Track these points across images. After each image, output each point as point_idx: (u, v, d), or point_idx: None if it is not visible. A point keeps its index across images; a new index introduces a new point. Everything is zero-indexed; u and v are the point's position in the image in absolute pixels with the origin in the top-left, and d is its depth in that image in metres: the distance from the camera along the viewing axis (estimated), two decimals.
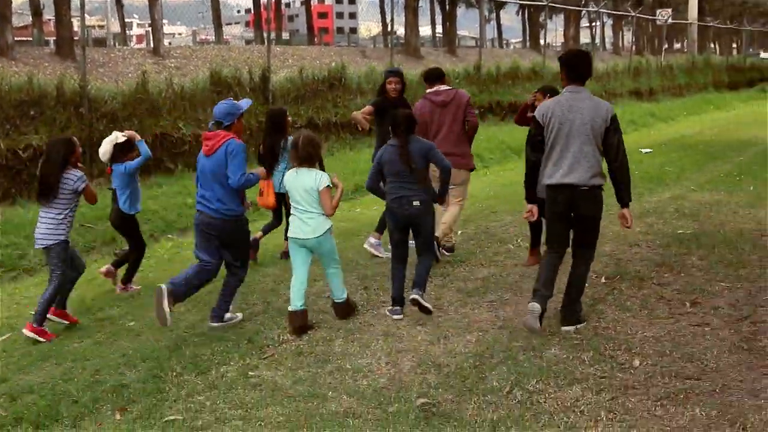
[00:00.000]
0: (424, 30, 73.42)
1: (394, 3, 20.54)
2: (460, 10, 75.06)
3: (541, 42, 71.75)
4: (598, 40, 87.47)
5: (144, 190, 10.87)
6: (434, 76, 7.68)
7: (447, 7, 64.69)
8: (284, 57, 38.90)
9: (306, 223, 5.59)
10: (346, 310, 5.88)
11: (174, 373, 4.88)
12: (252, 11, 59.95)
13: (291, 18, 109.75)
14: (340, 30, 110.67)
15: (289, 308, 5.63)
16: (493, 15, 73.43)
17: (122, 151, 6.94)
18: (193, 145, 11.99)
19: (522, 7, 78.70)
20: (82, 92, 10.96)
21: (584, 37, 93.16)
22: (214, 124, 5.82)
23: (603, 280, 6.63)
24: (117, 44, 49.92)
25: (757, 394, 4.17)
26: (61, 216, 5.99)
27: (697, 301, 5.92)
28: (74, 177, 6.00)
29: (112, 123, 11.28)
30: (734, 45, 71.56)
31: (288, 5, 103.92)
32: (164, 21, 63.64)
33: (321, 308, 6.12)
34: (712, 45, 72.11)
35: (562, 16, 72.65)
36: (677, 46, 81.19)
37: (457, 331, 5.45)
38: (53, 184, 5.91)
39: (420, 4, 65.09)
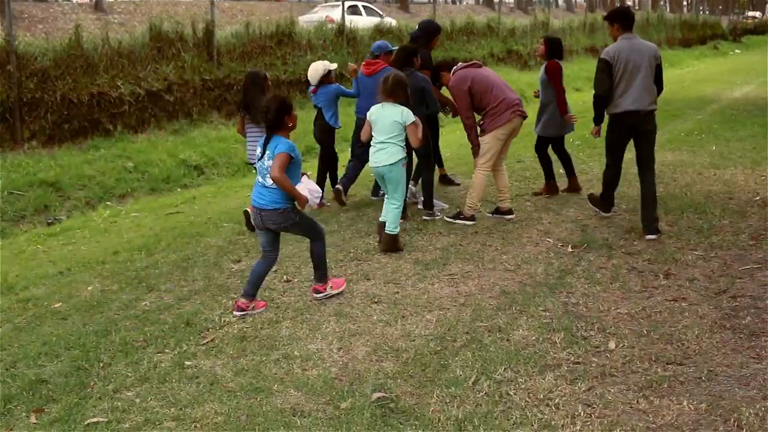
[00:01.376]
0: None
1: None
2: None
3: None
4: None
5: (80, 153, 10.27)
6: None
7: None
8: (233, 12, 37.66)
9: (383, 151, 6.20)
10: (391, 243, 6.29)
11: (101, 364, 4.33)
12: None
13: None
14: None
15: (386, 230, 6.31)
16: None
17: (326, 76, 7.90)
18: (133, 105, 11.27)
19: None
20: (8, 48, 10.10)
21: None
22: (370, 55, 8.19)
23: (569, 249, 6.23)
24: None
25: (748, 383, 3.78)
26: None
27: (670, 273, 5.55)
28: None
29: (43, 82, 10.48)
30: (685, 2, 71.62)
31: None
32: None
33: (268, 285, 5.60)
34: (662, 2, 72.16)
35: None
36: (629, 3, 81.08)
37: (415, 310, 4.99)
38: None
39: None
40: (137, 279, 5.89)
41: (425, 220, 7.26)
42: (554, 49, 7.92)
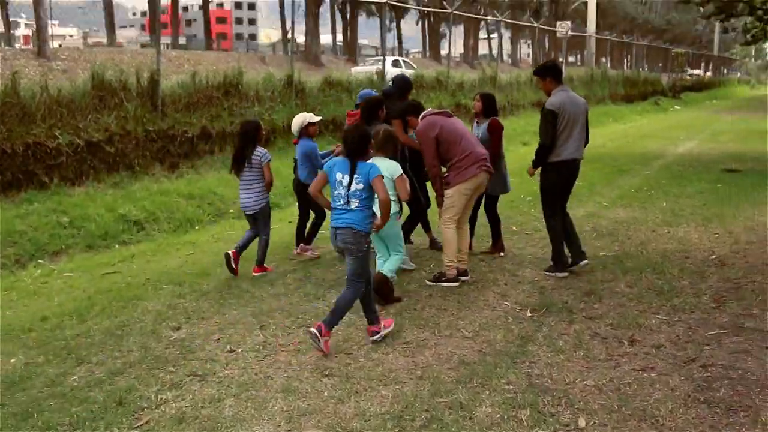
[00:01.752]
0: (325, 38, 72.73)
1: (295, 10, 19.65)
2: (361, 19, 74.76)
3: (442, 52, 72.27)
4: (495, 52, 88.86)
5: (12, 207, 9.72)
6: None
7: (348, 15, 64.19)
8: (179, 62, 37.46)
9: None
10: (384, 285, 6.19)
11: None
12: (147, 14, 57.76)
13: (189, 22, 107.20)
14: (239, 36, 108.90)
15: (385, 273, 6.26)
16: (394, 24, 73.28)
17: (306, 129, 7.86)
18: (71, 156, 10.79)
19: (422, 17, 79.03)
20: None
21: (482, 49, 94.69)
22: (357, 106, 7.75)
23: (528, 313, 5.96)
24: (2, 44, 47.03)
25: None
26: None
27: (635, 339, 5.31)
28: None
29: None
30: (625, 59, 73.70)
31: (186, 9, 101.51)
32: (54, 22, 60.76)
33: (209, 356, 5.19)
34: (603, 59, 74.17)
35: (461, 27, 73.54)
36: (571, 59, 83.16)
37: (369, 384, 4.63)
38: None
39: (321, 12, 64.42)
40: (66, 350, 5.41)
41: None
42: (491, 106, 7.78)
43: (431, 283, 6.77)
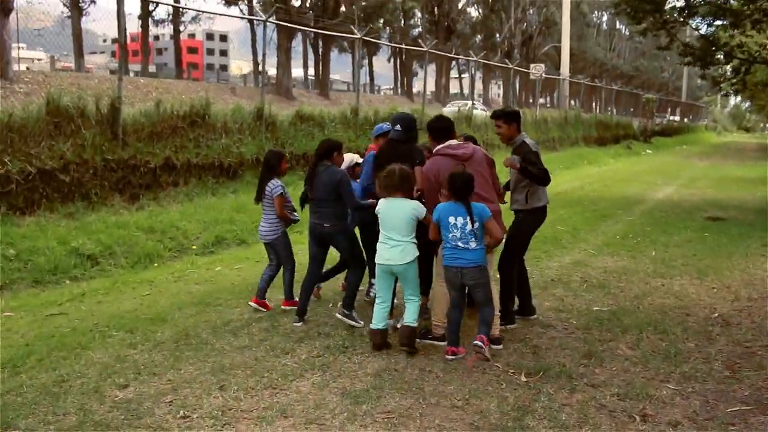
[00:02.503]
0: (297, 71, 72.41)
1: (266, 42, 19.12)
2: (333, 54, 74.62)
3: (414, 90, 72.33)
4: (467, 91, 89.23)
5: None
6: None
7: (320, 50, 63.93)
8: (147, 89, 36.64)
9: (397, 249, 5.80)
10: (411, 335, 5.81)
11: None
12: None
13: (160, 51, 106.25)
14: (210, 66, 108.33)
15: (371, 326, 5.91)
16: (366, 61, 73.29)
17: (354, 169, 7.37)
18: (22, 184, 9.99)
19: (394, 54, 79.17)
20: None
21: (453, 88, 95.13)
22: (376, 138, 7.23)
23: (523, 377, 5.31)
24: None
25: None
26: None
27: (647, 414, 4.68)
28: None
29: None
30: (594, 103, 74.24)
31: (157, 38, 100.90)
32: (21, 45, 59.61)
33: (159, 423, 4.46)
34: (572, 102, 74.77)
35: (433, 66, 73.65)
36: (541, 101, 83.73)
37: None
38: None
39: (293, 46, 64.14)
40: None
41: (338, 317, 6.46)
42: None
43: (417, 339, 6.08)
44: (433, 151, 6.25)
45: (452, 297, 5.82)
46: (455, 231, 5.60)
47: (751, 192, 19.27)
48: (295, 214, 7.24)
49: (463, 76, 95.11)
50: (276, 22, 20.12)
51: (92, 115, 11.55)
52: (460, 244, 5.60)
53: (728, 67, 17.96)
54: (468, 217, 5.56)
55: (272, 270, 7.19)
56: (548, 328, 6.53)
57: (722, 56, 15.89)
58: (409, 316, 5.86)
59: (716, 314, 7.08)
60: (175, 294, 7.74)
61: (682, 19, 16.32)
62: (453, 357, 5.67)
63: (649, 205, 15.85)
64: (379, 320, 5.91)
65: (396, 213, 5.81)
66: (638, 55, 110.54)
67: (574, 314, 6.98)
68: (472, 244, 5.59)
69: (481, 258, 5.66)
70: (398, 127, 6.48)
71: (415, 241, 5.87)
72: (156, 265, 9.54)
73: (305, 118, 16.40)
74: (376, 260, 5.92)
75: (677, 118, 78.49)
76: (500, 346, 6.04)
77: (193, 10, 45.74)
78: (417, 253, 5.88)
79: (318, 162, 6.64)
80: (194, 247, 10.34)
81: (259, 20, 16.77)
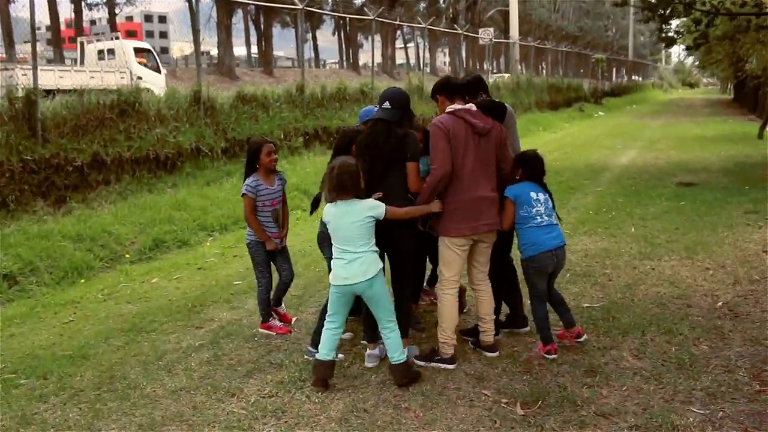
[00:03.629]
0: (239, 50, 70.59)
1: (206, 21, 17.84)
2: (276, 30, 72.81)
3: (360, 62, 70.97)
4: (413, 61, 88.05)
5: None
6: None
7: (262, 26, 62.18)
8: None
9: (356, 263, 4.66)
10: (406, 372, 4.80)
11: None
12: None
13: (96, 35, 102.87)
14: None
15: (317, 356, 4.81)
16: (309, 35, 71.63)
17: None
18: None
19: (338, 27, 77.55)
20: None
21: (399, 59, 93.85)
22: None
23: (519, 409, 4.39)
24: None
25: None
26: None
27: None
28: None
29: None
30: (541, 66, 73.78)
31: (93, 23, 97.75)
32: None
33: None
34: (519, 66, 74.14)
35: (378, 37, 72.34)
36: (486, 67, 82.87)
37: None
38: None
39: (234, 23, 62.31)
40: None
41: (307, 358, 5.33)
42: None
43: (421, 363, 5.12)
44: (447, 109, 5.05)
45: (537, 289, 5.20)
46: (539, 206, 5.13)
47: (714, 152, 18.69)
48: (274, 232, 5.87)
49: (408, 45, 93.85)
50: None
51: (4, 110, 10.31)
52: (546, 218, 5.16)
53: (688, 20, 17.18)
54: (547, 193, 5.25)
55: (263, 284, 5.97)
56: (537, 337, 5.63)
57: (682, 8, 15.04)
58: (394, 352, 4.78)
59: (720, 303, 6.27)
60: (103, 319, 6.68)
61: None
62: (554, 356, 5.15)
63: (615, 173, 15.12)
64: (328, 349, 4.81)
65: (348, 219, 4.68)
66: (582, 14, 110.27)
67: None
68: (554, 220, 5.25)
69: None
70: (387, 104, 5.01)
71: (376, 249, 4.77)
72: (84, 280, 8.44)
73: (247, 100, 15.25)
74: (331, 281, 4.81)
75: (624, 77, 78.41)
76: (496, 354, 5.23)
77: None
78: (381, 265, 4.77)
79: (334, 157, 5.44)
80: (128, 255, 9.25)
81: None
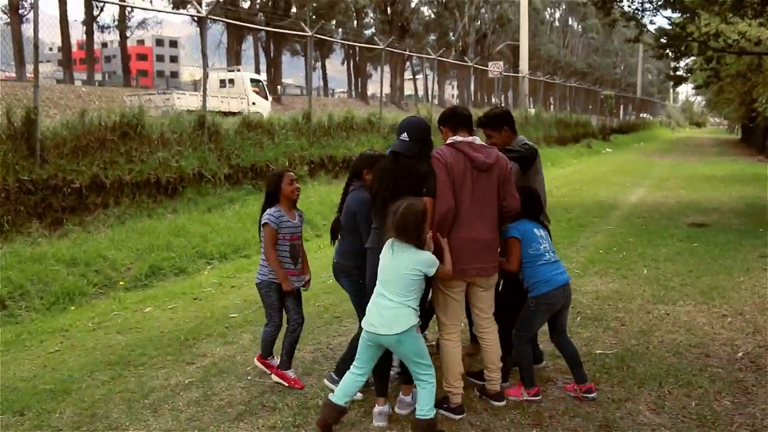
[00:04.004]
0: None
1: (216, 46, 17.73)
2: (285, 58, 73.13)
3: (369, 92, 71.12)
4: (421, 92, 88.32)
5: None
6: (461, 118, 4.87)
7: (272, 53, 62.42)
8: (90, 98, 34.85)
9: (386, 313, 4.29)
10: (429, 429, 4.35)
11: None
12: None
13: (108, 59, 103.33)
14: (160, 73, 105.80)
15: (330, 396, 4.48)
16: (319, 64, 71.92)
17: None
18: None
19: (348, 56, 77.88)
20: None
21: (407, 90, 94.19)
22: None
23: None
24: None
25: None
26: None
27: None
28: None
29: None
30: (549, 101, 73.81)
31: (105, 45, 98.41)
32: None
33: None
34: (529, 101, 74.23)
35: (387, 67, 72.58)
36: (495, 101, 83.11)
37: None
38: None
39: (244, 49, 62.59)
40: None
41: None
42: None
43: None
44: (447, 141, 4.76)
45: (534, 329, 5.18)
46: (544, 242, 5.02)
47: (725, 192, 18.40)
48: (290, 269, 5.38)
49: (417, 77, 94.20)
50: (218, 18, 18.70)
51: (2, 129, 10.07)
52: (552, 255, 5.05)
53: (699, 58, 17.02)
54: (545, 230, 5.17)
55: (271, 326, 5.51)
56: (547, 384, 5.31)
57: (696, 46, 14.87)
58: (424, 405, 4.36)
59: (740, 354, 5.94)
60: (90, 350, 6.37)
61: (654, 8, 15.32)
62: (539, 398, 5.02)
63: (625, 211, 14.82)
64: (343, 394, 4.44)
65: (395, 263, 4.33)
66: (591, 51, 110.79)
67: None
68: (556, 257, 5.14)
69: None
70: (404, 135, 4.61)
71: (416, 306, 4.34)
72: (75, 306, 8.13)
73: (253, 126, 15.02)
74: (363, 322, 4.47)
75: (633, 114, 78.38)
76: (503, 403, 4.91)
77: (136, 7, 43.82)
78: (414, 322, 4.30)
79: (349, 182, 5.17)
80: (123, 282, 8.94)
81: (199, 17, 15.33)
